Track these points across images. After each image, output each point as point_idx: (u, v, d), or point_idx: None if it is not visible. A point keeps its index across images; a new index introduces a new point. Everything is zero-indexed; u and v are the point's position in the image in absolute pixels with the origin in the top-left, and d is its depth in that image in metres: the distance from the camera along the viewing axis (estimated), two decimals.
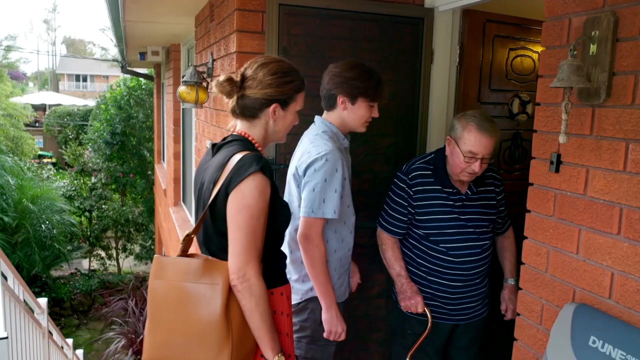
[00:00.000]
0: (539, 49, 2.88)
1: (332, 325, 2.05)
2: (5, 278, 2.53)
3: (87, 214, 10.08)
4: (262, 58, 1.70)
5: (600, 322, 1.50)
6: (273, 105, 1.67)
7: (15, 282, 2.77)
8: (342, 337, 2.08)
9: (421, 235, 2.26)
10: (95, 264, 9.72)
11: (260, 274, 1.51)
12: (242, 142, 1.65)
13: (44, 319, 3.56)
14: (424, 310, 2.22)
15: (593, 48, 1.58)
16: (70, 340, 4.84)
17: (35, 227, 7.75)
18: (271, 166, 1.66)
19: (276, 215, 1.60)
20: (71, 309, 8.46)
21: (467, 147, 2.08)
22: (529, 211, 1.84)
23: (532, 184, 1.83)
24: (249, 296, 1.48)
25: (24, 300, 3.09)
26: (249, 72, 1.66)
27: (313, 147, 2.00)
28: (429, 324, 2.21)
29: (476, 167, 2.08)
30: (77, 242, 9.51)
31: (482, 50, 2.81)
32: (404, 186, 2.26)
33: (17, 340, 2.85)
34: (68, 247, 8.71)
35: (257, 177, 1.51)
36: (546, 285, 1.76)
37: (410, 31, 2.69)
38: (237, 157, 1.55)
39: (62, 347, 4.50)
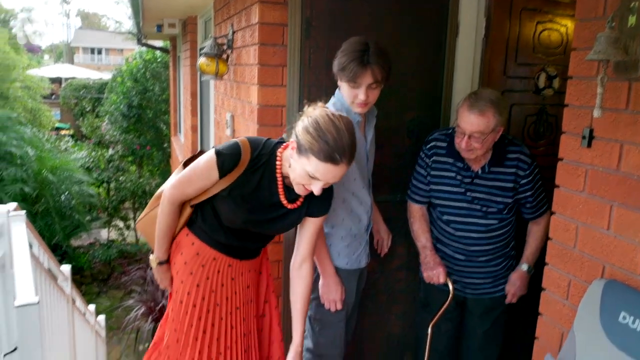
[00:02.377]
0: (568, 22, 2.80)
1: (324, 292, 2.10)
2: (31, 246, 2.55)
3: (105, 185, 10.15)
4: (327, 115, 1.61)
5: (631, 298, 1.48)
6: (294, 142, 1.66)
7: (40, 250, 2.79)
8: (339, 306, 2.11)
9: (432, 204, 2.35)
10: (113, 235, 9.81)
11: (172, 199, 1.85)
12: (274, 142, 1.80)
13: (67, 286, 3.61)
14: (446, 281, 2.25)
15: (632, 20, 1.52)
16: (92, 307, 4.92)
17: (55, 197, 7.82)
18: (235, 161, 1.72)
19: (217, 201, 1.81)
20: (91, 278, 8.59)
21: (458, 122, 2.10)
22: (557, 187, 1.81)
23: (561, 159, 1.79)
24: (160, 205, 1.91)
25: (48, 269, 3.12)
26: (310, 109, 1.68)
27: None
28: (450, 295, 2.22)
29: (462, 142, 2.08)
30: (96, 213, 9.58)
31: (509, 24, 2.73)
32: (423, 155, 2.32)
33: (43, 307, 2.89)
34: (87, 218, 8.79)
35: (212, 153, 1.73)
36: (574, 261, 1.74)
37: (435, 4, 2.62)
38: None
39: (85, 314, 4.58)
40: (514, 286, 2.30)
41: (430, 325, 2.24)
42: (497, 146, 2.17)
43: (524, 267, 2.30)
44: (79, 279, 8.40)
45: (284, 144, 1.77)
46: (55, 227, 7.56)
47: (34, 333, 1.42)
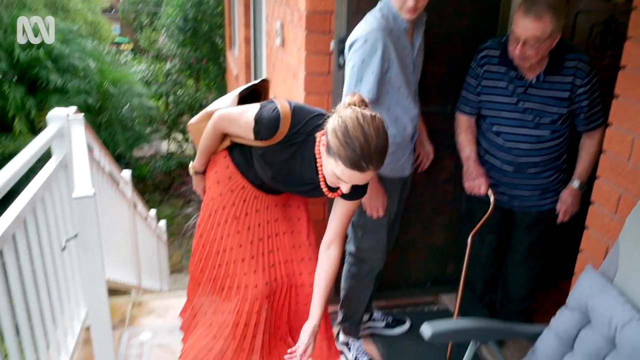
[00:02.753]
0: None
1: (367, 199, 2.11)
2: (91, 150, 2.68)
3: (163, 98, 10.40)
4: (356, 118, 1.53)
5: None
6: (323, 136, 1.61)
7: (100, 154, 2.94)
8: (381, 213, 2.13)
9: (482, 115, 2.28)
10: (173, 147, 10.16)
11: (216, 127, 1.88)
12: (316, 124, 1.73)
13: (128, 190, 3.82)
14: (487, 192, 2.23)
15: None
16: (153, 212, 5.22)
17: (117, 109, 8.09)
18: (270, 133, 1.72)
19: (252, 150, 1.84)
20: (153, 187, 9.06)
21: (512, 28, 1.99)
22: (616, 97, 1.71)
23: (623, 67, 1.68)
24: (208, 124, 1.92)
25: (110, 172, 3.29)
26: (342, 107, 1.59)
27: (358, 26, 1.98)
28: (492, 206, 2.22)
29: (516, 49, 1.97)
30: (156, 125, 9.90)
31: None
32: (475, 65, 2.23)
33: (106, 206, 3.09)
34: (148, 130, 9.11)
35: (252, 117, 1.74)
36: (627, 174, 1.67)
37: None
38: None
39: (146, 218, 4.87)
40: (565, 204, 2.24)
41: (470, 235, 2.25)
42: (554, 53, 2.04)
43: (575, 183, 2.22)
44: (142, 187, 8.86)
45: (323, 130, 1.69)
46: (117, 137, 7.88)
47: (92, 223, 1.53)
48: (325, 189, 1.76)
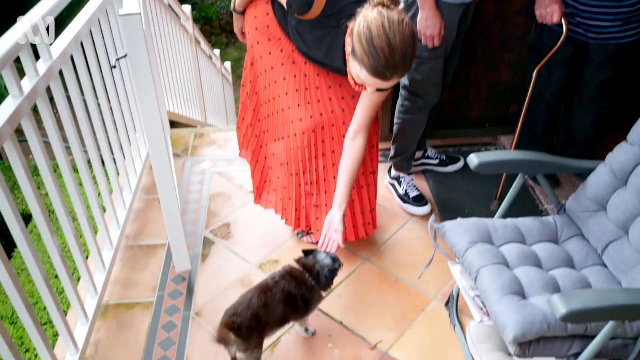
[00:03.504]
0: None
1: (422, 27, 1.99)
2: None
3: None
4: (382, 25, 1.41)
5: None
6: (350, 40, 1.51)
7: None
8: (437, 43, 2.01)
9: None
10: None
11: None
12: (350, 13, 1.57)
13: (189, 25, 3.80)
14: (561, 21, 2.02)
15: None
16: (217, 52, 5.23)
17: None
18: (301, 11, 1.64)
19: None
20: (220, 29, 8.96)
21: None
22: None
23: None
24: None
25: (169, 4, 3.25)
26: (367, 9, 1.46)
27: None
28: (563, 36, 2.03)
29: None
30: None
31: None
32: None
33: (164, 40, 3.10)
34: None
35: None
36: None
37: None
38: None
39: (211, 57, 4.89)
40: None
41: (537, 69, 2.09)
42: None
43: None
44: (209, 29, 8.80)
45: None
46: None
47: (140, 42, 1.53)
48: (352, 82, 1.69)
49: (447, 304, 1.95)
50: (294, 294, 1.64)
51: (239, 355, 1.58)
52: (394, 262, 2.16)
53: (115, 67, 1.93)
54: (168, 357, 1.78)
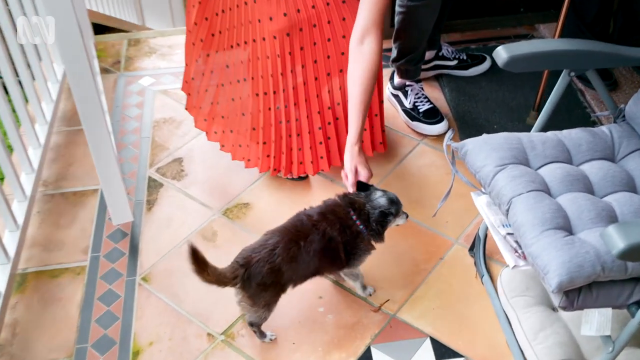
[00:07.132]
0: None
1: None
2: None
3: None
4: None
5: None
6: None
7: None
8: None
9: None
10: None
11: None
12: None
13: None
14: None
15: None
16: None
17: None
18: None
19: None
20: None
21: None
22: None
23: None
24: None
25: None
26: None
27: None
28: None
29: None
30: None
31: None
32: None
33: None
34: None
35: None
36: None
37: None
38: None
39: None
40: None
41: None
42: None
43: None
44: None
45: None
46: None
47: None
48: None
49: (471, 248, 1.97)
50: (336, 240, 1.64)
51: (243, 305, 1.63)
52: (401, 197, 2.14)
53: None
54: (110, 337, 1.80)
